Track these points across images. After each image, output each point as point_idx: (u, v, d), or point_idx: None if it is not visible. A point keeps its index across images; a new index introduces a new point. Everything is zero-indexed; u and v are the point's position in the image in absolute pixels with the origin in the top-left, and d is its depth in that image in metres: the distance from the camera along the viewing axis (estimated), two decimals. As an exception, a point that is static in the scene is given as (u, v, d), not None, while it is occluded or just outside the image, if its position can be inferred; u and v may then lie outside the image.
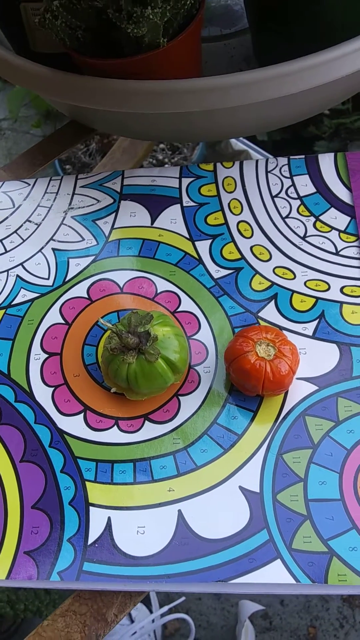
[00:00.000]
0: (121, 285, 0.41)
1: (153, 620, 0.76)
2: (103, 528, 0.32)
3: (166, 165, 1.18)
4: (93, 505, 0.33)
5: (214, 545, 0.31)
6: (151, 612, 0.79)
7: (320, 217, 0.42)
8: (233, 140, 1.17)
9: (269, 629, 0.85)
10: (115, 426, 0.36)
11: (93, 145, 1.10)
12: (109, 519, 0.33)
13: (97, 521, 0.33)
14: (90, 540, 0.32)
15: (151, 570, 0.31)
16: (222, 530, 0.32)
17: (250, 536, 0.31)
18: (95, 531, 0.32)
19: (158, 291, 0.40)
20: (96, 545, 0.32)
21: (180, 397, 0.36)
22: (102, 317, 0.39)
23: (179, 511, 0.32)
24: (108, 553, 0.32)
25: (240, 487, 0.33)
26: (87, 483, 0.34)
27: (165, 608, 0.73)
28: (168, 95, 0.39)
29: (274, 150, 1.16)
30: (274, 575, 0.30)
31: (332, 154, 0.44)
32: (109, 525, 0.32)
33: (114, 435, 0.35)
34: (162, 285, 0.40)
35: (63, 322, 0.40)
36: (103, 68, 0.40)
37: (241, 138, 1.16)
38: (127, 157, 0.80)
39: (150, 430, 0.35)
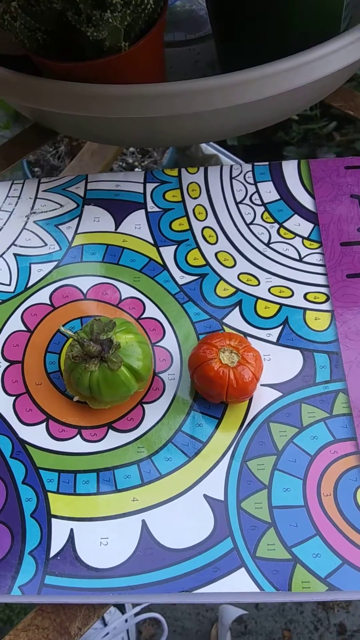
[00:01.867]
0: (85, 292, 0.40)
1: (126, 620, 0.76)
2: (65, 540, 0.32)
3: (136, 169, 1.18)
4: (55, 516, 0.32)
5: (178, 555, 0.31)
6: (124, 613, 0.78)
7: (284, 224, 0.42)
8: (203, 145, 1.18)
9: (244, 633, 0.85)
10: (78, 435, 0.35)
11: (62, 147, 1.09)
12: (71, 530, 0.32)
13: (59, 533, 0.32)
14: (53, 552, 0.31)
15: (115, 582, 0.30)
16: (186, 539, 0.31)
17: (214, 545, 0.31)
18: (57, 543, 0.32)
19: (122, 297, 0.40)
20: (58, 557, 0.31)
21: (144, 405, 0.36)
22: (64, 325, 0.39)
23: (143, 521, 0.32)
24: (70, 565, 0.31)
25: (205, 496, 0.33)
26: (49, 494, 0.33)
27: (138, 608, 0.73)
28: (129, 100, 0.38)
29: (245, 155, 1.17)
30: (238, 584, 0.30)
31: (296, 161, 0.45)
32: (71, 537, 0.32)
33: (77, 444, 0.35)
34: (127, 291, 0.40)
35: (25, 329, 0.39)
36: (63, 71, 0.40)
37: (211, 143, 1.16)
38: (96, 159, 0.79)
39: (114, 439, 0.35)
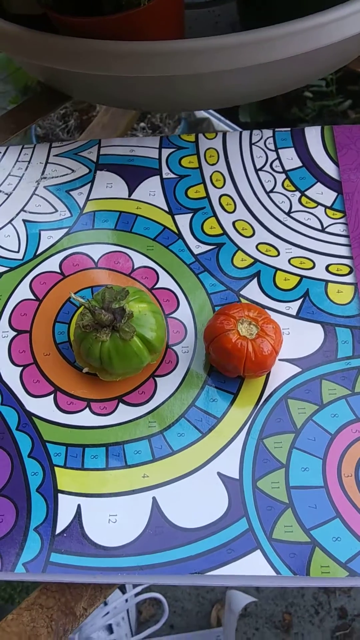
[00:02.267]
0: (96, 260, 0.38)
1: (127, 600, 0.75)
2: (72, 516, 0.30)
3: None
4: (62, 492, 0.31)
5: (190, 535, 0.29)
6: (124, 593, 0.77)
7: (306, 192, 0.40)
8: (215, 121, 1.15)
9: (244, 616, 0.84)
10: (87, 408, 0.33)
11: (72, 121, 1.07)
12: (78, 506, 0.30)
13: (66, 509, 0.30)
14: (59, 529, 0.30)
15: (123, 562, 0.29)
16: (199, 519, 0.30)
17: (228, 525, 0.29)
18: (63, 520, 0.30)
19: (135, 267, 0.38)
20: (64, 534, 0.30)
21: (156, 378, 0.34)
22: (74, 293, 0.37)
23: (154, 498, 0.30)
24: (77, 543, 0.29)
25: (219, 474, 0.31)
26: (56, 468, 0.31)
27: (139, 588, 0.72)
28: (151, 57, 0.36)
29: (257, 132, 1.13)
30: (254, 567, 0.28)
31: (319, 128, 0.42)
32: (78, 514, 0.30)
33: (85, 418, 0.33)
34: (140, 260, 0.38)
35: (33, 298, 0.37)
36: (80, 28, 0.37)
37: (223, 118, 1.13)
38: (106, 133, 0.77)
39: (124, 412, 0.33)
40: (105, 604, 0.71)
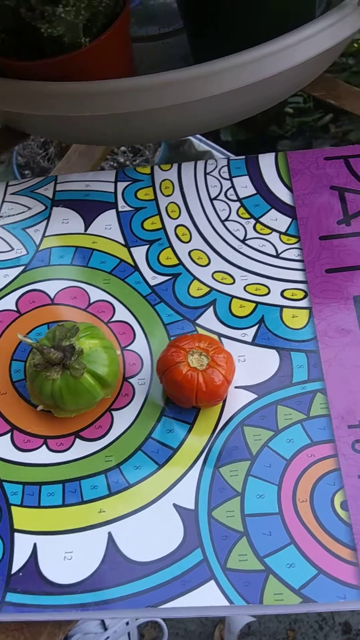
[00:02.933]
0: (52, 296, 0.40)
1: (127, 623, 0.75)
2: (28, 555, 0.31)
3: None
4: (18, 531, 0.32)
5: (145, 568, 0.30)
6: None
7: (260, 219, 0.42)
8: (196, 142, 1.18)
9: (248, 634, 0.84)
10: (44, 445, 0.35)
11: (52, 149, 1.10)
12: (34, 545, 0.32)
13: (22, 548, 0.32)
14: (14, 569, 0.31)
15: (78, 598, 0.30)
16: (154, 551, 0.31)
17: (183, 557, 0.31)
18: (19, 559, 0.31)
19: (91, 301, 0.40)
20: (20, 574, 0.31)
21: (113, 412, 0.36)
22: (29, 332, 0.39)
23: (109, 533, 0.32)
24: (33, 582, 0.31)
25: (175, 505, 0.32)
26: (12, 508, 0.33)
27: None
28: (92, 97, 0.38)
29: (238, 151, 1.16)
30: (207, 598, 0.29)
31: (273, 154, 0.44)
32: (34, 552, 0.32)
33: (42, 455, 0.34)
34: (96, 294, 0.40)
35: (-9, 337, 0.39)
36: (25, 70, 0.40)
37: (204, 139, 1.16)
38: (84, 160, 0.79)
39: (81, 448, 0.35)
40: (105, 628, 0.72)
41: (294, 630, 0.82)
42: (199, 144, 1.18)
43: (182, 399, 0.34)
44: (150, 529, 0.32)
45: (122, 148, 1.19)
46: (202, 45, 0.48)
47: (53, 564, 0.31)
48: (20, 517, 0.33)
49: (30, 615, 0.30)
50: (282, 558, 0.30)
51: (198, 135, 1.20)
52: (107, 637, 0.67)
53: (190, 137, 1.21)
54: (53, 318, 0.39)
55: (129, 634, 0.72)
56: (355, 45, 0.89)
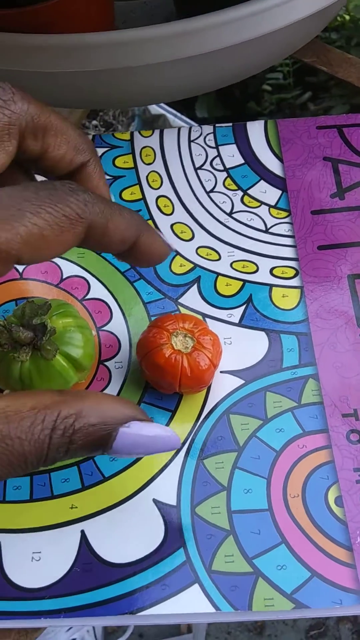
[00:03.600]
0: (20, 270, 0.36)
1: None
2: (-8, 556, 0.28)
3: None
4: (-20, 529, 0.29)
5: (121, 571, 0.27)
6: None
7: (249, 191, 0.38)
8: (171, 117, 1.13)
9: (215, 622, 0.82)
10: (11, 434, 0.31)
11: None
12: (-1, 544, 0.28)
13: (-15, 548, 0.28)
14: (-24, 571, 0.28)
15: (47, 604, 0.27)
16: (132, 552, 0.28)
17: (164, 558, 0.27)
18: (-18, 560, 0.28)
19: (64, 276, 0.36)
20: (-17, 577, 0.27)
21: (87, 398, 0.32)
22: (-4, 307, 0.35)
23: (82, 532, 0.28)
24: (-3, 586, 0.27)
25: (155, 500, 0.29)
26: (-26, 503, 0.29)
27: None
28: (69, 51, 0.34)
29: (215, 128, 1.12)
30: (191, 604, 0.26)
31: (262, 122, 0.41)
32: (-1, 552, 0.28)
33: (9, 444, 0.31)
34: (69, 269, 0.36)
35: None
36: (-6, 18, 0.35)
37: (179, 114, 1.12)
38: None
39: (52, 437, 0.31)
40: None
41: None
42: (174, 119, 1.13)
43: (164, 385, 0.30)
44: (127, 527, 0.28)
45: (94, 122, 1.14)
46: (186, 6, 0.44)
47: (19, 566, 0.28)
48: (-17, 513, 0.29)
49: (-7, 623, 0.27)
50: (273, 559, 0.27)
51: (173, 111, 1.15)
52: (71, 627, 0.65)
53: (165, 113, 1.16)
54: (21, 294, 0.35)
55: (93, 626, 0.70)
56: (339, 19, 0.85)
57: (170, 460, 0.30)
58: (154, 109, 1.12)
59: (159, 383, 0.31)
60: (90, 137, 0.41)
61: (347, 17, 0.97)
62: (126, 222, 0.22)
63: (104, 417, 0.20)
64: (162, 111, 1.10)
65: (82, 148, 0.24)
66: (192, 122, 1.10)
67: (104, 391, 0.32)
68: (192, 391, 0.31)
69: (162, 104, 1.11)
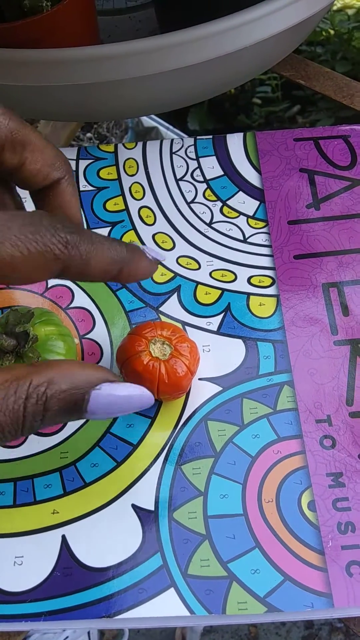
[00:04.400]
0: (6, 280, 0.35)
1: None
2: (-26, 561, 0.27)
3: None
4: None
5: (100, 575, 0.27)
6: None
7: (228, 202, 0.38)
8: (163, 130, 1.13)
9: (210, 631, 0.81)
10: (-5, 440, 0.31)
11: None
12: (-19, 549, 0.28)
13: (-33, 553, 0.28)
14: None
15: (28, 608, 0.26)
16: (110, 557, 0.27)
17: (141, 562, 0.27)
18: (-36, 565, 0.27)
19: (49, 285, 0.35)
20: (-35, 581, 0.27)
21: (69, 405, 0.31)
22: (-19, 317, 0.34)
23: (63, 536, 0.28)
24: (-21, 590, 0.27)
25: (133, 506, 0.28)
26: None
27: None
28: (52, 65, 0.34)
29: (206, 139, 1.12)
30: (166, 607, 0.26)
31: (242, 134, 0.40)
32: (-19, 557, 0.28)
33: (-8, 451, 0.30)
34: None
35: None
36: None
37: (171, 127, 1.11)
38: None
39: (34, 444, 0.30)
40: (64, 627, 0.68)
41: (256, 627, 0.80)
42: (166, 131, 1.13)
43: None
44: (106, 532, 0.28)
45: (88, 134, 1.13)
46: (170, 20, 0.44)
47: (2, 570, 0.27)
48: (-34, 519, 0.28)
49: (-26, 627, 0.26)
50: (247, 563, 0.27)
51: (165, 123, 1.15)
52: (67, 637, 0.64)
53: (158, 126, 1.16)
54: (6, 303, 0.35)
55: (88, 632, 0.69)
56: (324, 33, 0.85)
57: (150, 466, 0.29)
58: (147, 121, 1.11)
59: None
60: (76, 149, 0.40)
61: (332, 32, 0.97)
62: (108, 258, 0.21)
63: (75, 381, 0.20)
64: (154, 124, 1.10)
65: (58, 165, 0.24)
66: (184, 135, 1.09)
67: (86, 398, 0.32)
68: (170, 397, 0.30)
69: (154, 117, 1.10)
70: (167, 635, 0.80)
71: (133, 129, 1.09)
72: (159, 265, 0.35)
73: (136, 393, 0.21)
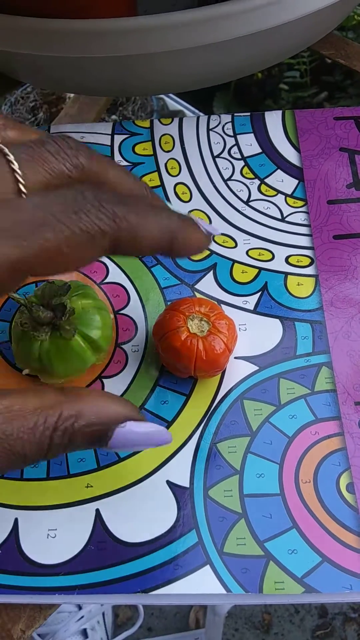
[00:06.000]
0: (41, 254, 0.35)
1: (102, 603, 0.72)
2: (9, 532, 0.27)
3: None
4: (-2, 505, 0.28)
5: (134, 550, 0.26)
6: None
7: (266, 180, 0.37)
8: (189, 114, 1.11)
9: (225, 616, 0.81)
10: (29, 413, 0.30)
11: (41, 114, 1.03)
12: (16, 520, 0.27)
13: (2, 524, 0.27)
14: (-8, 546, 0.27)
15: (62, 581, 0.26)
16: (145, 532, 0.27)
17: (176, 539, 0.26)
18: (-2, 535, 0.27)
19: (83, 260, 0.35)
20: (0, 551, 0.27)
21: (104, 380, 0.31)
22: (17, 289, 0.34)
23: (97, 510, 0.27)
24: (13, 561, 0.26)
25: (168, 482, 0.28)
26: (-8, 479, 0.28)
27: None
28: (98, 37, 0.33)
29: (231, 124, 1.10)
30: (202, 584, 0.25)
31: (280, 112, 0.39)
32: (15, 529, 0.27)
33: (26, 423, 0.30)
34: (88, 253, 0.35)
35: (-26, 294, 0.34)
36: (23, 5, 0.34)
37: (197, 111, 1.10)
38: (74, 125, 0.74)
39: (68, 417, 0.30)
40: (80, 607, 0.68)
41: (270, 614, 0.80)
42: (189, 114, 1.11)
43: (180, 367, 0.29)
44: (141, 507, 0.27)
45: (113, 117, 1.12)
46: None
47: (35, 542, 0.27)
48: (1, 489, 0.28)
49: (8, 597, 0.26)
50: (284, 543, 0.26)
51: (191, 107, 1.13)
52: (82, 617, 0.64)
53: (183, 109, 1.15)
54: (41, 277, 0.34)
55: (103, 613, 0.69)
56: (357, 18, 0.83)
57: (185, 443, 0.29)
58: (172, 105, 1.10)
59: (174, 366, 0.30)
60: (111, 124, 0.40)
61: (363, 17, 0.94)
62: (158, 229, 0.20)
63: (102, 417, 0.20)
64: (180, 107, 1.08)
65: (144, 192, 0.23)
66: (209, 118, 1.08)
67: (120, 373, 0.31)
68: (207, 375, 0.30)
69: (180, 100, 1.09)
70: (181, 618, 0.80)
71: (158, 112, 1.08)
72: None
73: (156, 431, 0.21)
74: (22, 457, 0.18)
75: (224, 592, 0.25)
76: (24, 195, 0.19)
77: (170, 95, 1.13)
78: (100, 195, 0.19)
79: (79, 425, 0.19)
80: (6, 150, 0.19)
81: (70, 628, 0.64)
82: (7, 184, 0.19)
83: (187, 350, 0.28)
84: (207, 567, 0.26)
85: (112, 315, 0.33)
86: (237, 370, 0.31)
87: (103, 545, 0.26)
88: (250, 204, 0.36)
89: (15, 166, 0.19)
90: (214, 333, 0.29)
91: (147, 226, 0.20)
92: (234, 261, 0.34)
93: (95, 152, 0.22)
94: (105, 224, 0.19)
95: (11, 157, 0.19)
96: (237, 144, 0.38)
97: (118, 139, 0.39)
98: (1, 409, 0.18)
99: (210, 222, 0.36)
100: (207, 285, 0.34)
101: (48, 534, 0.27)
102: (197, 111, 1.10)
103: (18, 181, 0.19)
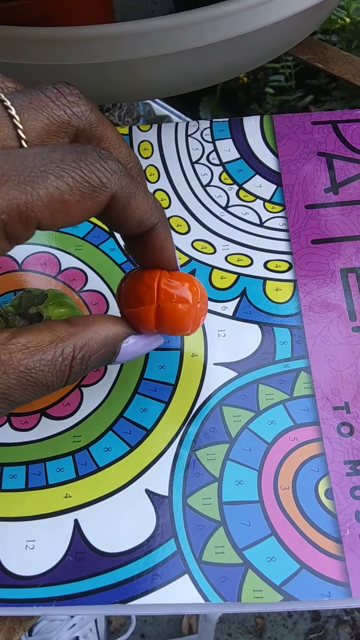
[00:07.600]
0: (20, 262, 0.35)
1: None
2: (-14, 544, 0.27)
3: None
4: (-25, 517, 0.27)
5: (113, 561, 0.26)
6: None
7: (244, 185, 0.37)
8: (175, 118, 1.11)
9: (217, 622, 0.81)
10: (7, 423, 0.30)
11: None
12: (-7, 532, 0.27)
13: (-21, 536, 0.27)
14: (-30, 559, 0.26)
15: (40, 592, 0.26)
16: (124, 542, 0.26)
17: (155, 548, 0.26)
18: (-25, 548, 0.27)
19: (62, 268, 0.34)
20: (-23, 564, 0.26)
21: (82, 388, 0.31)
22: (-6, 299, 0.33)
23: (76, 521, 0.27)
24: (-10, 573, 0.26)
25: (147, 491, 0.28)
26: (-30, 491, 0.28)
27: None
28: (67, 44, 0.32)
29: (218, 128, 1.10)
30: (181, 594, 0.25)
31: (258, 117, 0.39)
32: (-7, 541, 0.27)
33: (5, 434, 0.30)
34: (67, 261, 0.35)
35: None
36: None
37: (185, 117, 1.10)
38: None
39: (47, 427, 0.30)
40: (71, 615, 0.68)
41: (263, 618, 0.79)
42: (178, 120, 1.11)
43: (140, 314, 0.24)
44: (119, 517, 0.27)
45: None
46: (185, 2, 0.43)
47: (14, 554, 0.26)
48: (-22, 502, 0.28)
49: (-15, 610, 0.26)
50: (262, 551, 0.26)
51: (177, 112, 1.13)
52: (74, 624, 0.63)
53: (170, 114, 1.14)
54: (20, 285, 0.34)
55: (95, 621, 0.68)
56: (340, 22, 0.83)
57: (164, 451, 0.29)
58: (159, 110, 1.10)
59: (135, 312, 0.24)
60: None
61: (348, 20, 0.95)
62: (149, 205, 0.21)
63: (109, 339, 0.22)
64: (166, 112, 1.08)
65: (134, 163, 0.24)
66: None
67: (99, 382, 0.31)
68: (170, 328, 0.25)
69: (166, 105, 1.09)
70: (174, 624, 0.79)
71: (145, 117, 1.08)
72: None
73: (153, 339, 0.25)
74: (45, 386, 0.20)
75: (202, 601, 0.25)
76: (23, 142, 0.19)
77: (157, 100, 1.13)
78: (101, 151, 0.19)
79: (92, 350, 0.21)
80: (2, 96, 0.19)
81: (62, 636, 0.63)
82: (6, 130, 0.19)
83: (149, 279, 0.25)
84: (186, 576, 0.25)
85: (90, 324, 0.32)
86: (216, 377, 0.31)
87: (82, 556, 0.26)
88: (228, 209, 0.36)
89: (13, 111, 0.19)
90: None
91: (140, 197, 0.21)
92: (213, 267, 0.34)
93: (95, 106, 0.22)
94: (105, 177, 0.19)
95: (8, 103, 0.19)
96: (215, 149, 0.38)
97: (97, 146, 0.39)
98: (19, 347, 0.19)
99: (189, 228, 0.35)
100: (186, 291, 0.33)
101: (27, 545, 0.27)
102: (183, 116, 1.10)
103: (17, 127, 0.19)
